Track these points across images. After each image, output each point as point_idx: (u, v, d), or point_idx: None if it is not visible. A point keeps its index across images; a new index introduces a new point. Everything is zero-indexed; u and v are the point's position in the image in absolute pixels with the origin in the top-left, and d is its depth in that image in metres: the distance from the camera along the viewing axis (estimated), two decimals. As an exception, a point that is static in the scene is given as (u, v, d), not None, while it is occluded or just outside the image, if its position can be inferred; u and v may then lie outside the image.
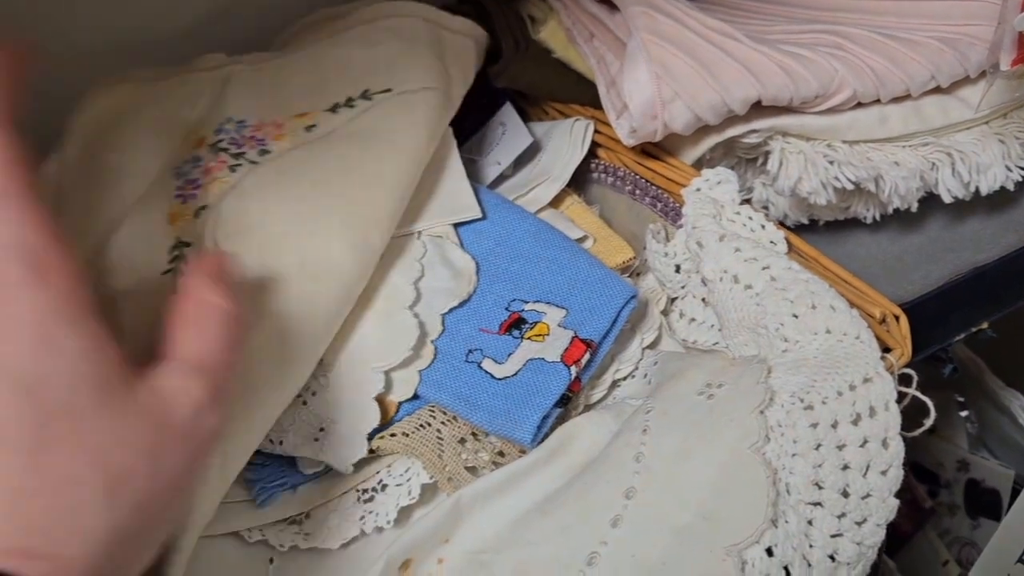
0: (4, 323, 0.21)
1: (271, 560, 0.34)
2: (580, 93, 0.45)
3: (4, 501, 0.20)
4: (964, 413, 0.74)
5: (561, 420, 0.35)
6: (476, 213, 0.40)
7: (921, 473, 0.74)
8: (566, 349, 0.35)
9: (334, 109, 0.41)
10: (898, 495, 0.73)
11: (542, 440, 0.34)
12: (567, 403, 0.35)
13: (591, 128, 0.44)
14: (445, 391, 0.35)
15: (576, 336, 0.35)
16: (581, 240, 0.41)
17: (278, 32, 0.54)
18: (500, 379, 0.35)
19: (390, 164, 0.38)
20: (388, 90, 0.41)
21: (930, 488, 0.73)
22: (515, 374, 0.35)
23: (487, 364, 0.35)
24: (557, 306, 0.37)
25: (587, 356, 0.35)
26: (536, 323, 0.36)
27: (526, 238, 0.39)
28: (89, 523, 0.21)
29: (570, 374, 0.34)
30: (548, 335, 0.36)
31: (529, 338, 0.36)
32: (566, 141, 0.44)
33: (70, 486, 0.21)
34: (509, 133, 0.46)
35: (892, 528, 0.74)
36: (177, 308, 0.26)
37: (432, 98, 0.41)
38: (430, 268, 0.38)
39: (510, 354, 0.35)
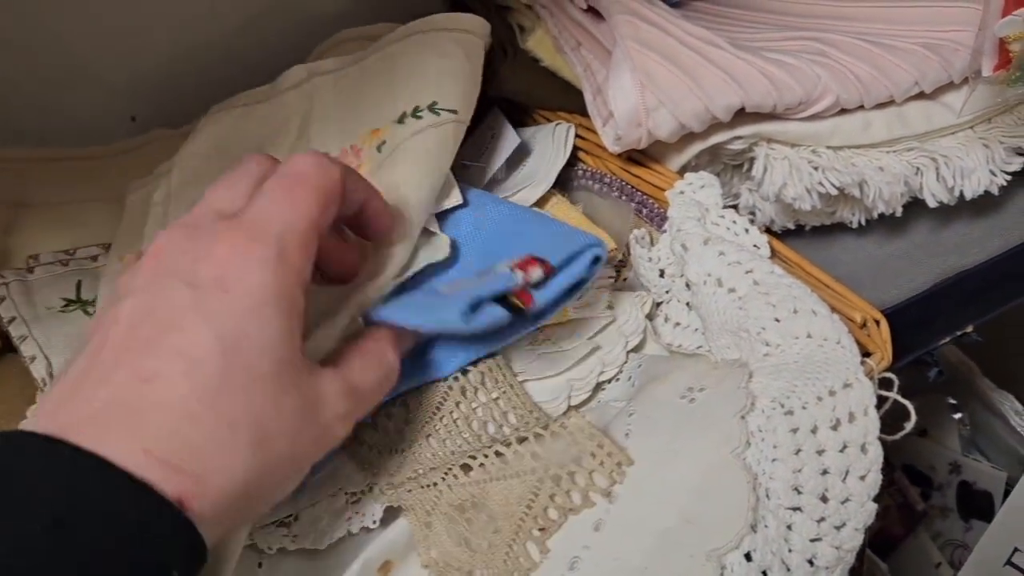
0: (237, 285, 0.26)
1: (259, 564, 0.35)
2: (568, 101, 0.46)
3: (175, 420, 0.24)
4: (957, 416, 0.74)
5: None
6: (457, 199, 0.40)
7: (914, 475, 0.74)
8: (521, 259, 0.34)
9: (401, 119, 0.42)
10: (891, 497, 0.73)
11: (484, 331, 0.33)
12: (514, 311, 0.33)
13: (572, 131, 0.44)
14: (391, 307, 0.34)
15: (534, 255, 0.34)
16: None
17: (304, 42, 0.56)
18: (448, 293, 0.34)
19: (415, 189, 0.39)
20: (435, 104, 0.41)
21: (923, 491, 0.73)
22: (461, 288, 0.34)
23: (441, 287, 0.35)
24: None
25: (539, 271, 0.33)
26: None
27: (503, 219, 0.39)
28: (232, 463, 0.25)
29: (515, 277, 0.33)
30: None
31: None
32: (549, 145, 0.44)
33: (229, 429, 0.25)
34: (498, 137, 0.46)
35: (885, 531, 0.74)
36: (359, 340, 0.31)
37: (460, 131, 0.41)
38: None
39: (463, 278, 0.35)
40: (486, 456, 0.34)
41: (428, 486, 0.34)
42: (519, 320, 0.35)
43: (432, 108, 0.40)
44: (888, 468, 0.73)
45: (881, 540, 0.72)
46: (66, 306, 0.44)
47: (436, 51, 0.43)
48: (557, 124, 0.45)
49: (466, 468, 0.34)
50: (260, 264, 0.27)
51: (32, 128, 0.54)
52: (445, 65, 0.42)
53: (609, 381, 0.37)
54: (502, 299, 0.33)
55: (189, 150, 0.48)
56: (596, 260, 0.35)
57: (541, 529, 0.31)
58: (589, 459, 0.32)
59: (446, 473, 0.34)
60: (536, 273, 0.34)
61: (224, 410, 0.25)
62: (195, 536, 0.24)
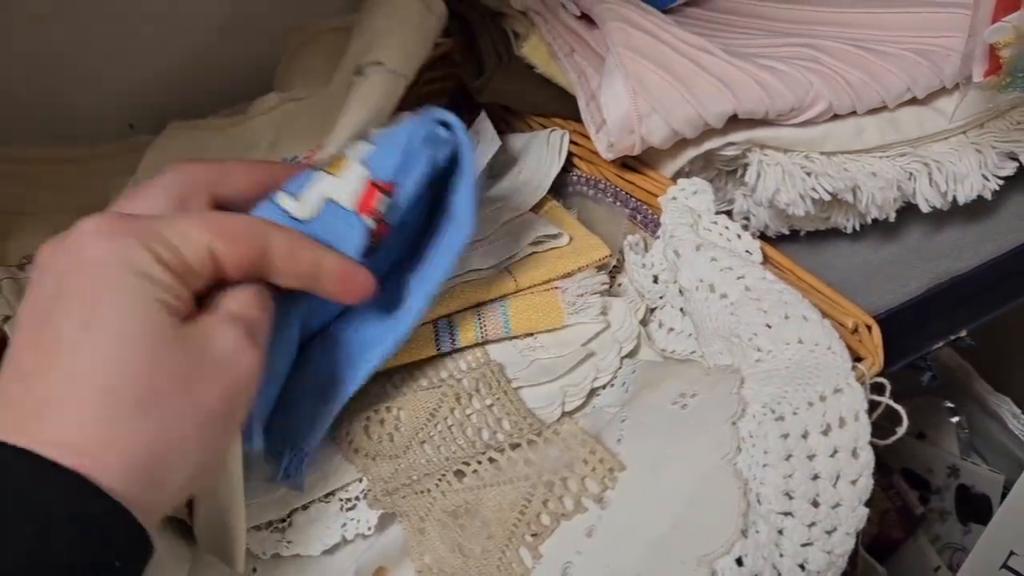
0: (89, 267, 0.26)
1: (254, 569, 0.35)
2: (562, 107, 0.46)
3: (54, 407, 0.24)
4: (955, 419, 0.74)
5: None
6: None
7: (912, 479, 0.74)
8: (361, 196, 0.32)
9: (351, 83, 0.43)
10: (889, 501, 0.73)
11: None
12: (373, 246, 0.32)
13: (567, 138, 0.45)
14: None
15: (371, 180, 0.32)
16: (556, 236, 0.41)
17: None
18: (301, 220, 0.32)
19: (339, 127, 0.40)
20: (379, 63, 0.42)
21: (921, 494, 0.73)
22: (316, 217, 0.32)
23: (283, 200, 0.33)
24: (368, 142, 0.34)
25: (382, 201, 0.32)
26: (340, 157, 0.34)
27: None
28: (121, 430, 0.24)
29: (364, 225, 0.32)
30: (345, 169, 0.33)
31: (326, 171, 0.33)
32: (544, 151, 0.44)
33: (105, 395, 0.24)
34: (481, 142, 0.46)
35: (883, 534, 0.74)
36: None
37: (400, 84, 0.43)
38: None
39: (304, 187, 0.33)
40: (479, 462, 0.34)
41: (422, 492, 0.34)
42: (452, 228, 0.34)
43: (375, 64, 0.42)
44: (886, 472, 0.73)
45: (880, 544, 0.72)
46: None
47: (386, 14, 0.45)
48: (552, 131, 0.46)
49: (459, 474, 0.34)
50: (107, 241, 0.27)
51: (31, 134, 0.54)
52: (392, 26, 0.44)
53: (603, 387, 0.37)
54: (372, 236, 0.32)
55: (143, 165, 0.48)
56: (432, 136, 0.34)
57: (534, 535, 0.31)
58: (581, 465, 0.32)
59: (440, 479, 0.34)
60: (381, 203, 0.32)
61: (100, 383, 0.25)
62: (118, 511, 0.23)
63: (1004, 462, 0.71)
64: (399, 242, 0.36)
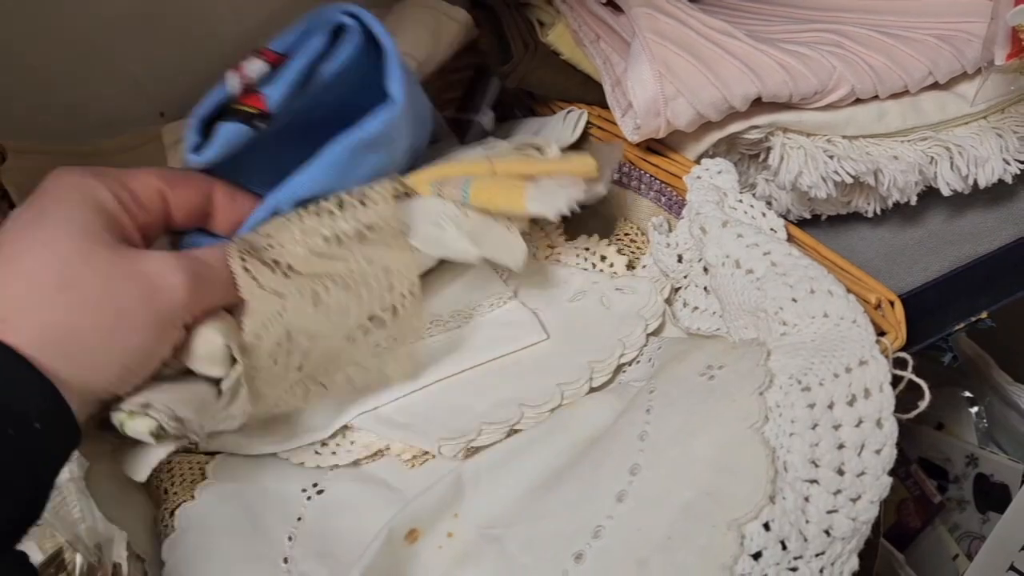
0: (50, 183, 0.32)
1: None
2: (587, 93, 0.47)
3: None
4: (974, 409, 0.74)
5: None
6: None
7: (930, 468, 0.74)
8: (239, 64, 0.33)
9: None
10: (907, 490, 0.73)
11: (221, 159, 0.33)
12: (252, 119, 0.32)
13: (584, 117, 0.45)
14: None
15: (254, 49, 0.33)
16: (544, 148, 0.39)
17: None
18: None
19: None
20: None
21: (939, 483, 0.73)
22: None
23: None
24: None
25: (257, 63, 0.32)
26: None
27: None
28: (40, 306, 0.28)
29: (230, 81, 0.32)
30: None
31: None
32: (560, 127, 0.45)
33: (30, 277, 0.29)
34: (484, 86, 0.49)
35: (902, 523, 0.74)
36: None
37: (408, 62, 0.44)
38: None
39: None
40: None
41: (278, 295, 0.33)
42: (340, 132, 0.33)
43: None
44: (905, 461, 0.73)
45: (898, 532, 0.73)
46: None
47: (409, 18, 0.48)
48: (569, 110, 0.46)
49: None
50: (66, 172, 0.33)
51: (61, 124, 0.55)
52: (407, 27, 0.47)
53: (630, 363, 0.38)
54: (234, 113, 0.32)
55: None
56: (339, 28, 0.33)
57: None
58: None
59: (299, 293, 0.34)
60: (254, 66, 0.32)
61: (28, 267, 0.29)
62: (32, 373, 0.27)
63: (1023, 452, 0.71)
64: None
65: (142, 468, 0.33)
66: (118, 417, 0.31)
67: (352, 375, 0.35)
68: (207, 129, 0.34)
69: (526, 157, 0.38)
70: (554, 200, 0.35)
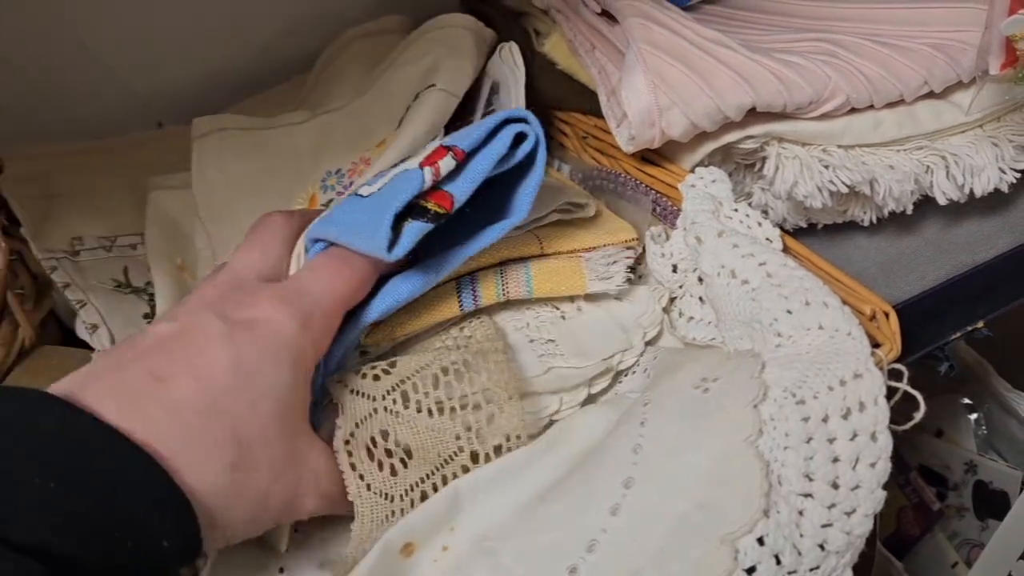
0: (265, 328, 0.30)
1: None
2: (583, 102, 0.47)
3: (170, 417, 0.27)
4: (973, 416, 0.74)
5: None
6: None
7: (929, 476, 0.74)
8: (428, 154, 0.33)
9: (400, 124, 0.45)
10: (907, 497, 0.73)
11: (408, 255, 0.32)
12: (437, 219, 0.32)
13: (515, 48, 0.46)
14: (325, 223, 0.35)
15: (443, 144, 0.33)
16: (584, 206, 0.40)
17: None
18: (366, 196, 0.34)
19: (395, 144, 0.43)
20: (432, 85, 0.45)
21: (938, 491, 0.73)
22: (380, 188, 0.34)
23: (362, 189, 0.34)
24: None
25: (448, 160, 0.32)
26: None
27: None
28: (205, 472, 0.27)
29: (423, 176, 0.32)
30: (427, 148, 0.35)
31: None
32: (505, 70, 0.46)
33: (215, 443, 0.27)
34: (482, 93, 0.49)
35: (901, 530, 0.74)
36: None
37: (453, 103, 0.45)
38: None
39: (382, 175, 0.34)
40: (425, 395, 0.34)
41: (365, 396, 0.33)
42: (481, 219, 0.34)
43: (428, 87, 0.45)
44: (904, 468, 0.73)
45: (897, 540, 0.72)
46: (118, 286, 0.46)
47: (443, 43, 0.48)
48: (500, 48, 0.47)
49: (405, 398, 0.34)
50: (288, 319, 0.30)
51: (60, 131, 0.56)
52: (446, 54, 0.47)
53: (626, 371, 0.38)
54: (421, 211, 0.32)
55: (203, 178, 0.51)
56: (520, 135, 0.33)
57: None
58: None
59: (386, 395, 0.33)
60: (446, 163, 0.32)
61: (216, 426, 0.27)
62: (184, 504, 0.26)
63: (1022, 459, 0.71)
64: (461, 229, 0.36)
65: None
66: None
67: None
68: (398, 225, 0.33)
69: (568, 228, 0.39)
70: (613, 278, 0.38)
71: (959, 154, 0.42)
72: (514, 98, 0.45)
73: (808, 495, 0.30)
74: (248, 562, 0.35)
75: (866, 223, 0.45)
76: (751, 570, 0.29)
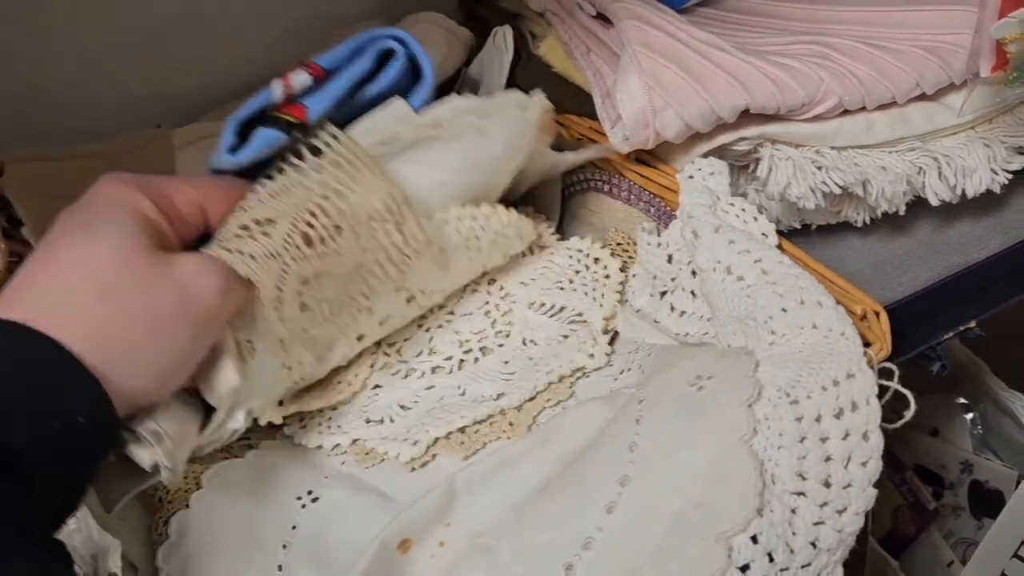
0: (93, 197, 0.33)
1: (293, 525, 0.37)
2: (578, 104, 0.47)
3: (39, 284, 0.30)
4: (969, 416, 0.75)
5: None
6: None
7: (925, 475, 0.74)
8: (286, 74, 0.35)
9: None
10: (903, 497, 0.74)
11: (259, 161, 0.34)
12: (290, 129, 0.34)
13: (510, 33, 0.47)
14: None
15: (302, 61, 0.35)
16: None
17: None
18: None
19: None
20: None
21: (934, 490, 0.74)
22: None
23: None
24: None
25: (301, 73, 0.34)
26: None
27: None
28: (83, 309, 0.29)
29: (273, 90, 0.34)
30: None
31: None
32: (494, 55, 0.47)
33: (71, 283, 0.30)
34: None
35: (897, 530, 0.75)
36: None
37: None
38: None
39: None
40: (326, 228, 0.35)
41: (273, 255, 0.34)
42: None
43: None
44: (900, 468, 0.73)
45: (893, 539, 0.73)
46: None
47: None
48: (494, 33, 0.48)
49: (307, 239, 0.35)
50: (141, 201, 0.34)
51: (60, 133, 0.56)
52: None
53: (622, 372, 0.38)
54: (273, 121, 0.33)
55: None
56: (387, 52, 0.35)
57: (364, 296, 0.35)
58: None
59: (287, 239, 0.34)
60: (298, 76, 0.34)
61: (71, 272, 0.30)
62: (77, 369, 0.28)
63: (1018, 458, 0.71)
64: None
65: (115, 499, 0.34)
66: (126, 436, 0.32)
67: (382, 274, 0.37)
68: (244, 132, 0.35)
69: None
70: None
71: (951, 155, 0.43)
72: (496, 81, 0.46)
73: (801, 493, 0.30)
74: (248, 558, 0.35)
75: (859, 224, 0.46)
76: (745, 568, 0.29)
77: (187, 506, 0.37)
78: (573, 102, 0.48)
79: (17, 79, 0.54)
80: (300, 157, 0.34)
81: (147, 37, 0.57)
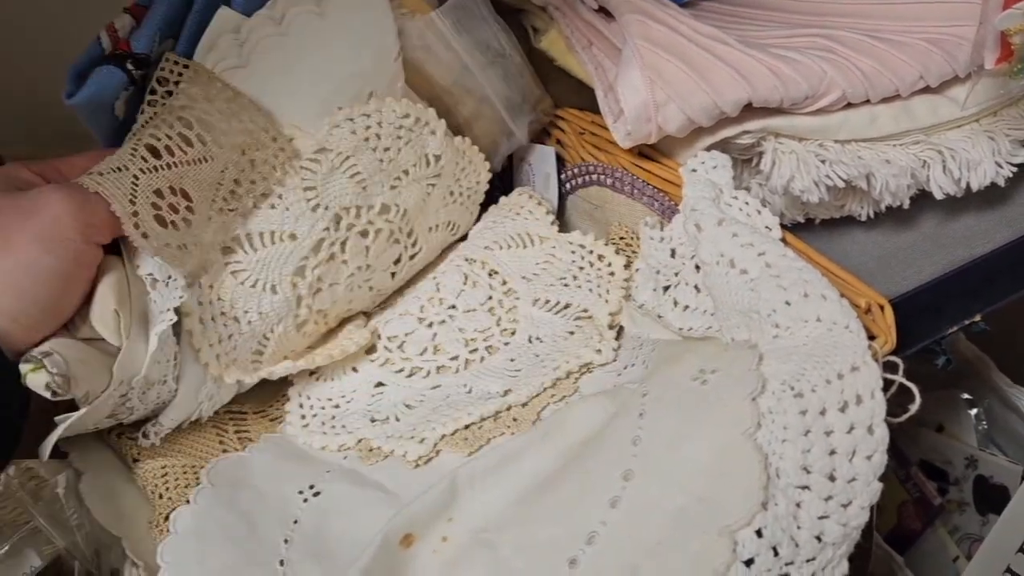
0: None
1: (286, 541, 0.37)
2: (580, 98, 0.47)
3: None
4: (973, 411, 0.74)
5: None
6: None
7: (930, 470, 0.74)
8: None
9: None
10: (907, 492, 0.73)
11: (101, 106, 0.37)
12: (118, 60, 0.36)
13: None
14: None
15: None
16: None
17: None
18: None
19: None
20: None
21: (939, 485, 0.73)
22: None
23: None
24: None
25: (124, 17, 0.37)
26: None
27: None
28: None
29: (102, 40, 0.36)
30: None
31: None
32: None
33: None
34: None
35: (902, 525, 0.74)
36: None
37: None
38: None
39: None
40: (170, 137, 0.36)
41: (120, 169, 0.35)
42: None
43: None
44: (905, 463, 0.73)
45: (898, 535, 0.73)
46: None
47: None
48: None
49: (154, 151, 0.36)
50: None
51: (61, 130, 0.56)
52: None
53: (626, 367, 0.38)
54: (108, 59, 0.36)
55: None
56: None
57: (231, 209, 0.36)
58: (265, 149, 0.37)
59: (132, 152, 0.36)
60: (121, 20, 0.36)
61: None
62: None
63: (1023, 453, 0.71)
64: None
65: (45, 446, 0.35)
66: (23, 368, 0.33)
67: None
68: (83, 81, 0.37)
69: None
70: None
71: (955, 148, 0.42)
72: None
73: (806, 487, 0.30)
74: (250, 553, 0.35)
75: (863, 218, 0.45)
76: (749, 562, 0.29)
77: (188, 501, 0.37)
78: (575, 96, 0.48)
79: (20, 76, 0.55)
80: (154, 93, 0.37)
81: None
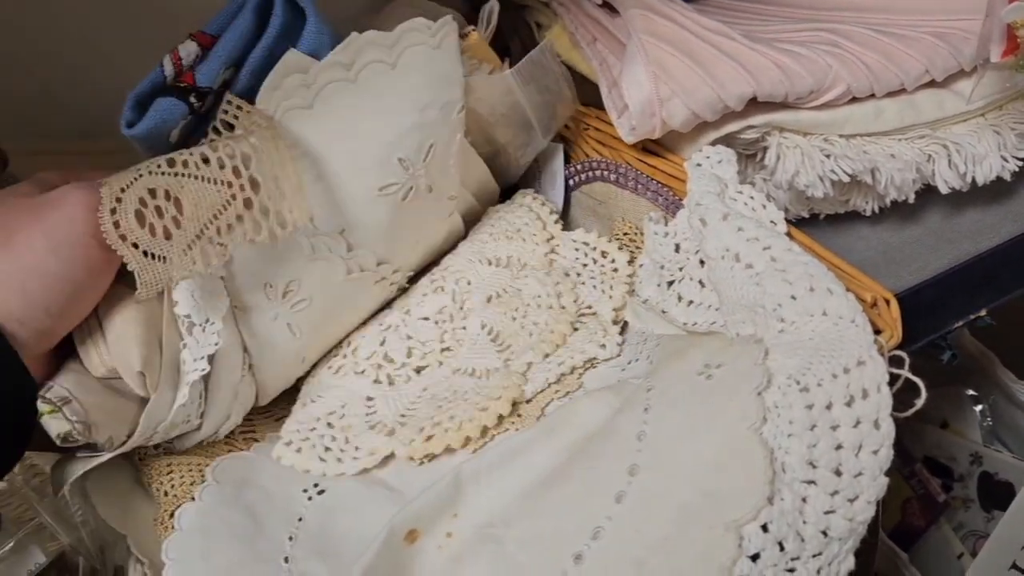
0: None
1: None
2: (584, 94, 0.47)
3: None
4: (978, 407, 0.74)
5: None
6: None
7: (935, 467, 0.74)
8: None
9: None
10: (912, 489, 0.73)
11: (154, 133, 0.36)
12: (184, 94, 0.35)
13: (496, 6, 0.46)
14: None
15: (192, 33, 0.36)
16: None
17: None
18: None
19: None
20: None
21: (944, 482, 0.73)
22: None
23: None
24: None
25: (188, 44, 0.35)
26: None
27: None
28: None
29: (164, 67, 0.35)
30: None
31: None
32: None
33: None
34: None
35: (906, 522, 0.74)
36: None
37: None
38: None
39: None
40: (191, 154, 0.35)
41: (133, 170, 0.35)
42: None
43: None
44: (909, 460, 0.73)
45: (903, 531, 0.72)
46: None
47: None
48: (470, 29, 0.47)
49: (171, 162, 0.35)
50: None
51: (66, 127, 0.56)
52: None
53: (630, 362, 0.38)
54: (170, 91, 0.35)
55: None
56: (263, 6, 0.36)
57: (220, 244, 0.34)
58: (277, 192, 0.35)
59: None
60: (185, 47, 0.35)
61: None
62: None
63: (1027, 450, 0.71)
64: None
65: (66, 479, 0.35)
66: (41, 408, 0.33)
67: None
68: (143, 109, 0.36)
69: None
70: None
71: (961, 143, 0.42)
72: None
73: (811, 482, 0.30)
74: (255, 550, 0.35)
75: (868, 213, 0.45)
76: (755, 557, 0.29)
77: (193, 499, 0.37)
78: (578, 91, 0.47)
79: (27, 74, 0.55)
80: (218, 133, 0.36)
81: (155, 33, 0.57)
